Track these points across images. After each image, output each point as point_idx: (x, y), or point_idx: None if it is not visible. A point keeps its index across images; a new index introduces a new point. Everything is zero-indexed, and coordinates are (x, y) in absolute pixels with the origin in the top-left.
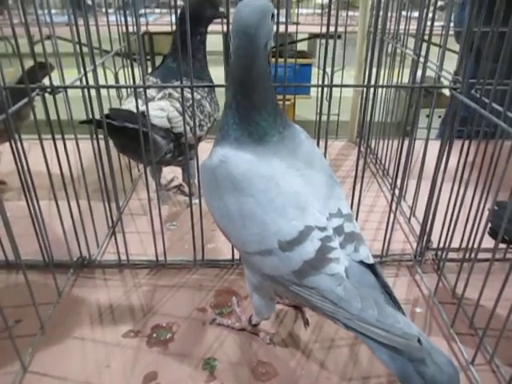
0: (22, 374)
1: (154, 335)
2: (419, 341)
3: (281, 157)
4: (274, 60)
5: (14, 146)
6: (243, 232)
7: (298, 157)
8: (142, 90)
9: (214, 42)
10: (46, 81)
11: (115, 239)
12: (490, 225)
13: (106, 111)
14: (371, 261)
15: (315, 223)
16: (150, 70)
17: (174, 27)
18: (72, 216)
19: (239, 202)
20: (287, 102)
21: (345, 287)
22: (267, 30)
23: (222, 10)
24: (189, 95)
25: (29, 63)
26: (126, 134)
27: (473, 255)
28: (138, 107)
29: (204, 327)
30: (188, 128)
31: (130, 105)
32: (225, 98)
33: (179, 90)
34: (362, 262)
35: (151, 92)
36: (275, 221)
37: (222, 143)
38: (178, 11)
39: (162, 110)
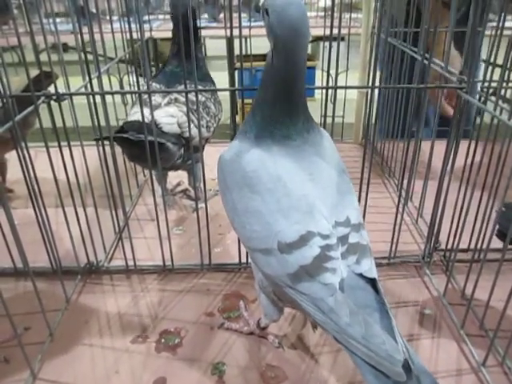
0: (31, 381)
1: (163, 340)
2: (408, 366)
3: (296, 159)
4: None
5: (20, 153)
6: (247, 228)
7: (314, 161)
8: (147, 96)
9: (217, 47)
10: (51, 88)
11: (122, 245)
12: (497, 227)
13: (111, 116)
14: (373, 275)
15: (318, 229)
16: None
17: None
18: (79, 222)
19: (246, 198)
20: None
21: (336, 299)
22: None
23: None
24: (194, 98)
25: (34, 72)
26: (140, 145)
27: (482, 256)
28: (143, 117)
29: (212, 332)
30: (197, 131)
31: (138, 114)
32: (257, 94)
33: (184, 94)
34: (363, 276)
35: (157, 98)
36: (278, 221)
37: (241, 137)
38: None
39: (171, 116)
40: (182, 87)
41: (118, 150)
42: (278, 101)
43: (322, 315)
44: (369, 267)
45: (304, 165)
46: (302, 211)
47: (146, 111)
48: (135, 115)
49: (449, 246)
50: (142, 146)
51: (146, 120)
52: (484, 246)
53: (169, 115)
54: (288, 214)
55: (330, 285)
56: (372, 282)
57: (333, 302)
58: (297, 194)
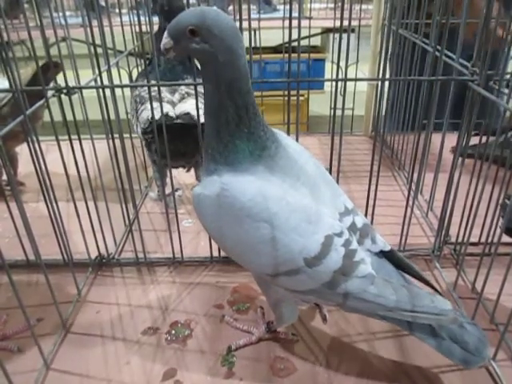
0: (44, 371)
1: (173, 332)
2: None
3: (282, 170)
4: (287, 55)
5: (31, 147)
6: (264, 258)
7: (294, 163)
8: (156, 93)
9: None
10: (61, 82)
11: (132, 237)
12: (504, 221)
13: (120, 109)
14: (388, 247)
15: (332, 231)
16: None
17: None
18: (90, 215)
19: (254, 229)
20: (301, 98)
21: (377, 284)
22: None
23: None
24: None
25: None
26: (188, 135)
27: (493, 249)
28: (159, 109)
29: (222, 324)
30: None
31: (158, 109)
32: (211, 127)
33: (193, 88)
34: (377, 252)
35: (168, 96)
36: (296, 240)
37: (218, 172)
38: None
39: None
40: (188, 81)
41: (128, 143)
42: (245, 112)
43: (368, 304)
44: (383, 242)
45: (290, 172)
46: (312, 220)
47: (165, 106)
48: (157, 110)
49: (459, 240)
50: (189, 137)
51: (172, 113)
52: (495, 240)
53: (194, 108)
54: (302, 230)
55: (368, 274)
56: (386, 254)
57: (376, 289)
58: (300, 206)
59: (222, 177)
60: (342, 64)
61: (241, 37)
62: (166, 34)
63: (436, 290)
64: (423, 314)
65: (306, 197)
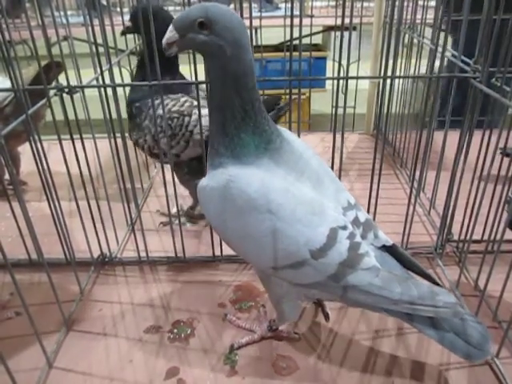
0: (47, 370)
1: (175, 331)
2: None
3: (286, 163)
4: (288, 54)
5: (34, 146)
6: (269, 250)
7: (298, 158)
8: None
9: None
10: (63, 81)
11: (134, 236)
12: (508, 216)
13: (122, 110)
14: (391, 242)
15: (337, 224)
16: None
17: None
18: (92, 214)
19: (259, 221)
20: (302, 96)
21: (382, 276)
22: None
23: None
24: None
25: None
26: None
27: (495, 247)
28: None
29: (224, 322)
30: None
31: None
32: (216, 122)
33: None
34: (381, 246)
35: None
36: (302, 232)
37: (224, 165)
38: None
39: None
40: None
41: (130, 142)
42: (251, 107)
43: (373, 296)
44: (385, 237)
45: (295, 166)
46: (316, 213)
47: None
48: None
49: (462, 237)
50: None
51: None
52: (498, 237)
53: None
54: (308, 221)
55: (373, 267)
56: (388, 249)
57: (381, 281)
58: (306, 199)
59: (228, 169)
60: (344, 62)
61: (248, 33)
62: (171, 27)
63: (438, 284)
64: (427, 307)
65: (310, 190)
